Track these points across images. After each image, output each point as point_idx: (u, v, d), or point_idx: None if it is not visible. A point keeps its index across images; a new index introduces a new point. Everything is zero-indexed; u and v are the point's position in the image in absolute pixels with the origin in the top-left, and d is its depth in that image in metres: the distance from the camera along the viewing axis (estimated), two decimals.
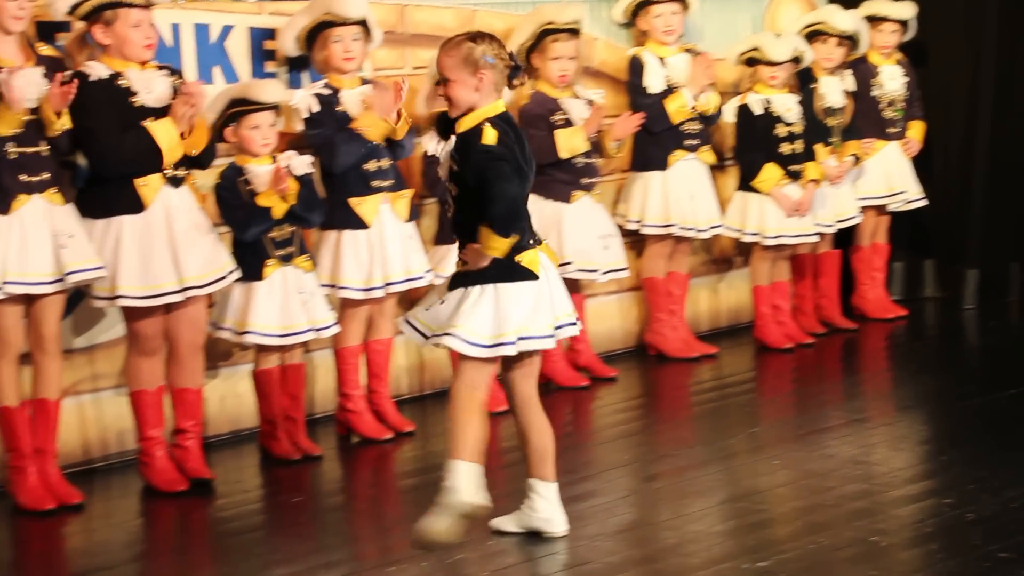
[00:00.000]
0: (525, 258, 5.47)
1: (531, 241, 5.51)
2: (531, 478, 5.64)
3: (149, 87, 6.27)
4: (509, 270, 5.45)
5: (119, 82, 6.25)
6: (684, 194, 8.27)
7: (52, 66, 6.13)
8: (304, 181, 6.66)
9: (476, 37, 5.49)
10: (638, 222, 8.30)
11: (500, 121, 5.46)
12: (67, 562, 5.78)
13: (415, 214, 7.18)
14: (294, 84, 7.12)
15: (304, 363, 6.94)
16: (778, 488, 6.18)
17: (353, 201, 6.94)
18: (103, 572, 5.56)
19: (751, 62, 8.52)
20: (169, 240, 6.28)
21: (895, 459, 6.53)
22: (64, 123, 6.04)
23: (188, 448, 6.51)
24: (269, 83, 6.71)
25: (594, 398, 7.76)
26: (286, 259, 6.68)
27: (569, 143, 7.71)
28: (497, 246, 5.39)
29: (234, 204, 6.59)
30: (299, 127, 6.90)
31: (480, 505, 5.39)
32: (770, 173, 8.45)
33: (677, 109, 8.18)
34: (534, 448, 5.63)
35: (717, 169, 8.63)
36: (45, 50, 6.23)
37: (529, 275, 5.46)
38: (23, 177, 6.05)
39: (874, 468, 6.39)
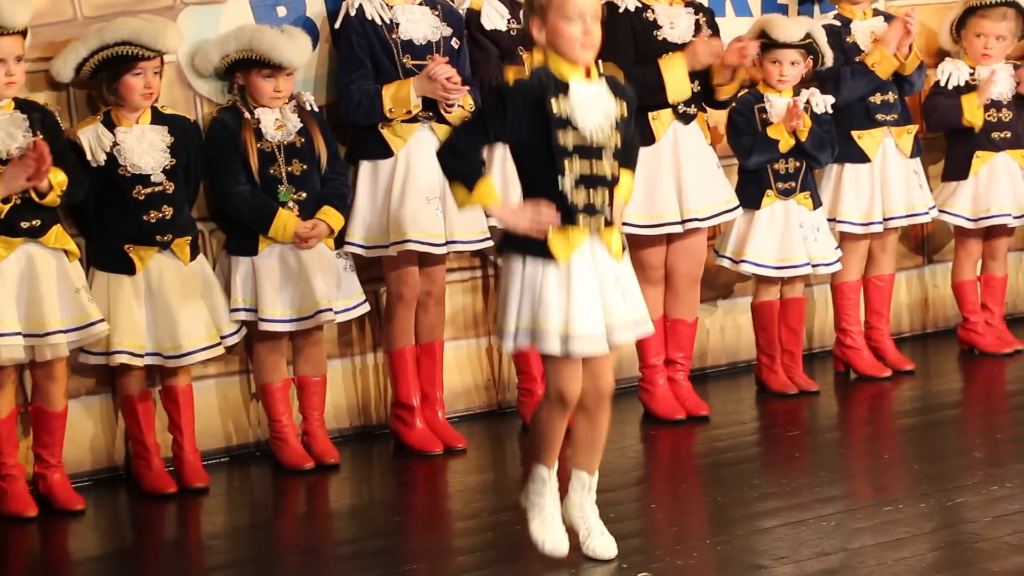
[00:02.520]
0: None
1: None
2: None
3: (674, 22, 6.47)
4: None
5: (645, 15, 6.47)
6: None
7: None
8: (822, 120, 6.77)
9: None
10: None
11: None
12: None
13: (919, 150, 7.15)
14: (804, 13, 7.20)
15: (804, 297, 7.04)
16: None
17: (855, 133, 7.00)
18: (605, 494, 5.60)
19: None
20: (675, 173, 6.49)
21: None
22: None
23: (677, 381, 6.70)
24: (792, 22, 6.78)
25: None
26: (786, 193, 6.79)
27: None
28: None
29: (744, 129, 6.77)
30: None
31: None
32: None
33: None
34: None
35: None
36: None
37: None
38: None
39: None
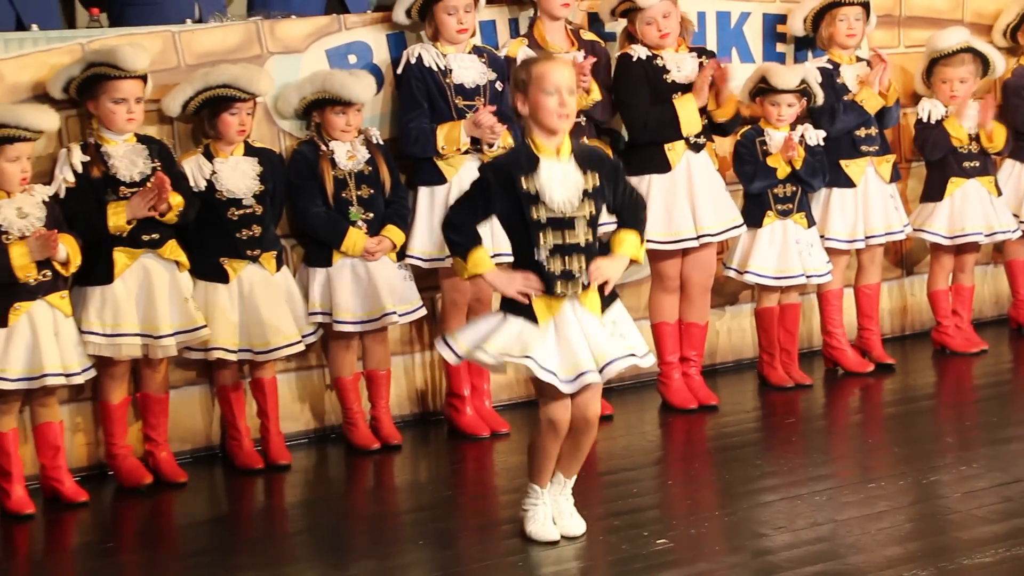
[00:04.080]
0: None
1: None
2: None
3: (680, 66, 6.59)
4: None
5: (655, 62, 6.59)
6: None
7: (592, 50, 6.53)
8: (814, 151, 6.87)
9: None
10: None
11: None
12: (599, 462, 6.01)
13: (896, 176, 7.22)
14: (800, 60, 7.27)
15: (800, 303, 7.09)
16: None
17: (843, 163, 7.06)
18: (628, 472, 5.84)
19: None
20: (689, 196, 6.58)
21: None
22: (594, 96, 6.40)
23: (691, 376, 6.77)
24: (789, 70, 6.86)
25: None
26: (784, 213, 6.87)
27: None
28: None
29: (747, 159, 6.85)
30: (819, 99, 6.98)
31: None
32: None
33: None
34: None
35: None
36: (588, 35, 6.64)
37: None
38: None
39: None
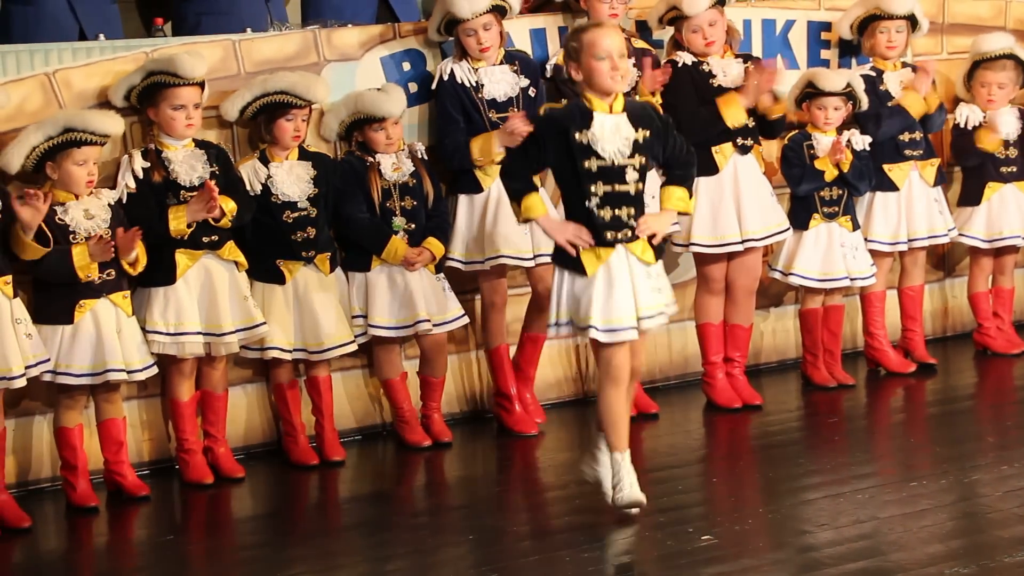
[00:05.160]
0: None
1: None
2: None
3: (726, 70, 6.57)
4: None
5: (701, 67, 6.58)
6: None
7: (641, 56, 6.48)
8: (861, 155, 6.82)
9: None
10: None
11: None
12: (645, 459, 5.99)
13: (941, 179, 7.17)
14: (843, 66, 7.23)
15: (843, 305, 7.04)
16: None
17: (886, 167, 7.02)
18: (674, 470, 5.82)
19: None
20: (735, 199, 6.55)
21: None
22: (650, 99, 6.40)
23: (734, 376, 6.74)
24: (834, 74, 6.82)
25: None
26: (830, 216, 6.83)
27: None
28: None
29: (795, 162, 6.81)
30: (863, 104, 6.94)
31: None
32: None
33: None
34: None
35: None
36: (638, 43, 6.60)
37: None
38: None
39: None
